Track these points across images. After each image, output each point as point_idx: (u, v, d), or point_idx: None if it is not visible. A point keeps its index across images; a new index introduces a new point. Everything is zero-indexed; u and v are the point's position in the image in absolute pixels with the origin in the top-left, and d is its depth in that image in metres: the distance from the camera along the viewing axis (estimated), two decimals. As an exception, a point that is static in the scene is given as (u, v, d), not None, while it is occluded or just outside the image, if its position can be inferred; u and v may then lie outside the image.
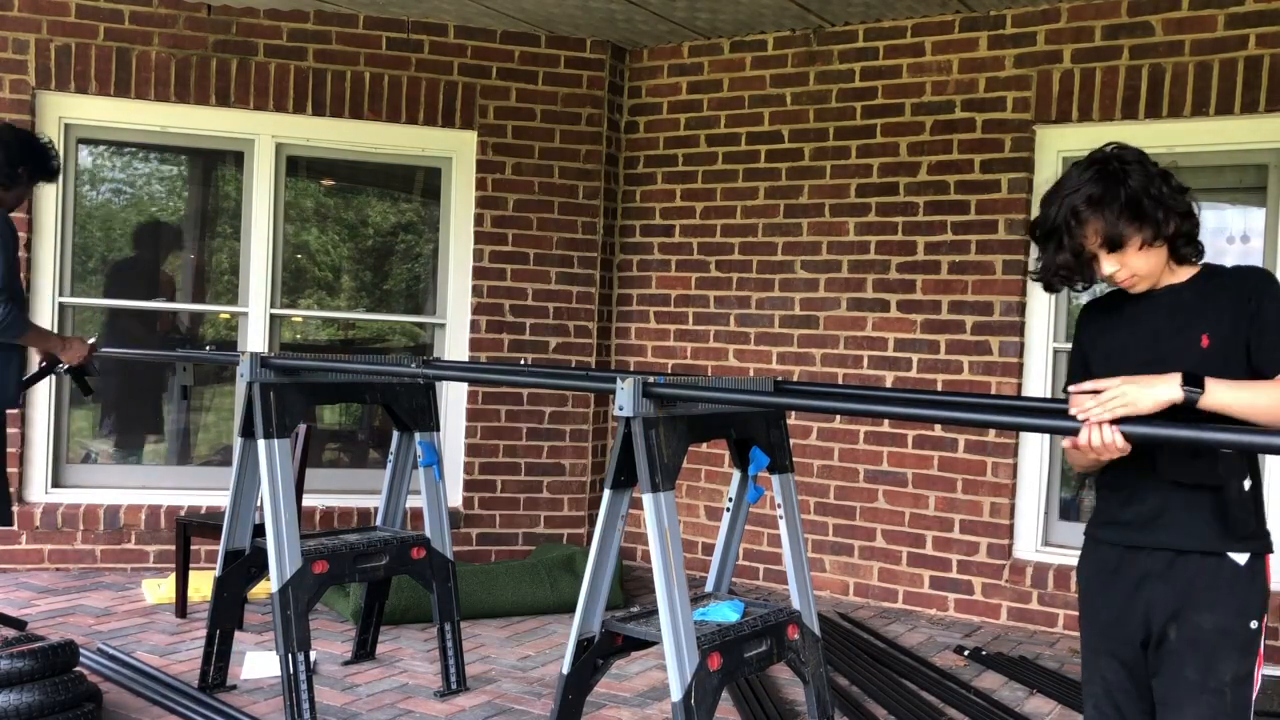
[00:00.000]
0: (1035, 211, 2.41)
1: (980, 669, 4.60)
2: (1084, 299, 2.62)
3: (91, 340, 4.49)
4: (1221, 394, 2.11)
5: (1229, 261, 2.42)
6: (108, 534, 5.63)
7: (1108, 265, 2.29)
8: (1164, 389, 2.10)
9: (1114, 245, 2.26)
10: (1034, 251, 2.43)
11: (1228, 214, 5.07)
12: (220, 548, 3.93)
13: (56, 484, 5.69)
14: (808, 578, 3.29)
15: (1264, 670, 4.27)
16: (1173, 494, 2.26)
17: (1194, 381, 2.11)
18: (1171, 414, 2.10)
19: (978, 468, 5.41)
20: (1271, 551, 2.28)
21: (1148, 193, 2.23)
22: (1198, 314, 2.27)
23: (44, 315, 5.57)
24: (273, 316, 5.95)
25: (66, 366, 4.45)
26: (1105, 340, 2.41)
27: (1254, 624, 2.24)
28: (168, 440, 6.22)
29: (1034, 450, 5.35)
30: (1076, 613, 2.52)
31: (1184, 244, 2.30)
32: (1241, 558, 2.23)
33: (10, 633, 4.13)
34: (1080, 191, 2.26)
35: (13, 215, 4.25)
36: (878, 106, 5.68)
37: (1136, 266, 2.28)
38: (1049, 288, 2.39)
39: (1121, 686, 2.37)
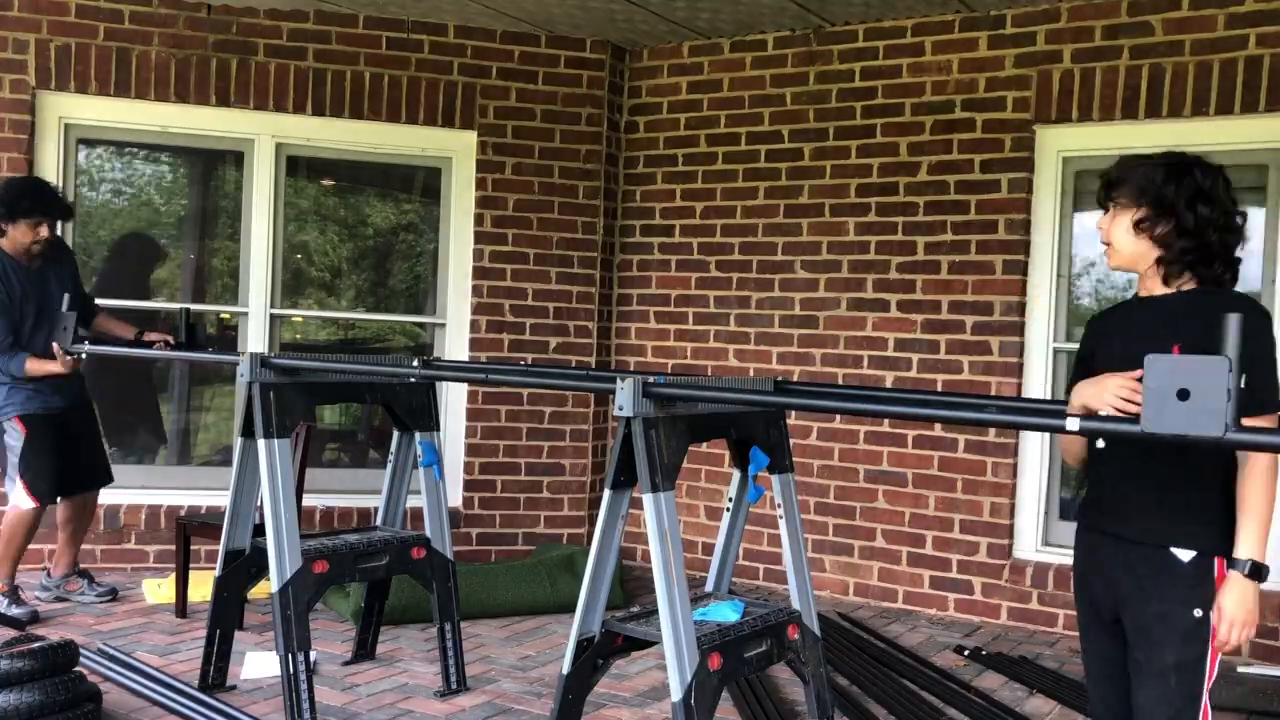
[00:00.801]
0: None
1: (980, 669, 4.60)
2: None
3: (67, 352, 4.57)
4: None
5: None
6: (108, 534, 5.63)
7: (1102, 220, 2.49)
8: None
9: (1105, 203, 2.47)
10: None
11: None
12: (220, 548, 3.94)
13: (56, 484, 5.68)
14: (808, 578, 3.29)
15: (1264, 670, 4.26)
16: (1134, 489, 2.37)
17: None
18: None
19: (978, 468, 5.41)
20: (1224, 556, 2.29)
21: (1165, 191, 2.35)
22: (1177, 326, 2.33)
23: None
24: (273, 316, 5.95)
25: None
26: (1102, 347, 2.50)
27: (1197, 612, 2.29)
28: (168, 440, 6.22)
29: (1034, 450, 5.35)
30: (1076, 612, 2.58)
31: (1171, 261, 2.38)
32: (1186, 555, 2.30)
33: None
34: (1139, 160, 2.43)
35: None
36: (878, 106, 5.68)
37: (1113, 235, 2.44)
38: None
39: (1113, 660, 2.48)
